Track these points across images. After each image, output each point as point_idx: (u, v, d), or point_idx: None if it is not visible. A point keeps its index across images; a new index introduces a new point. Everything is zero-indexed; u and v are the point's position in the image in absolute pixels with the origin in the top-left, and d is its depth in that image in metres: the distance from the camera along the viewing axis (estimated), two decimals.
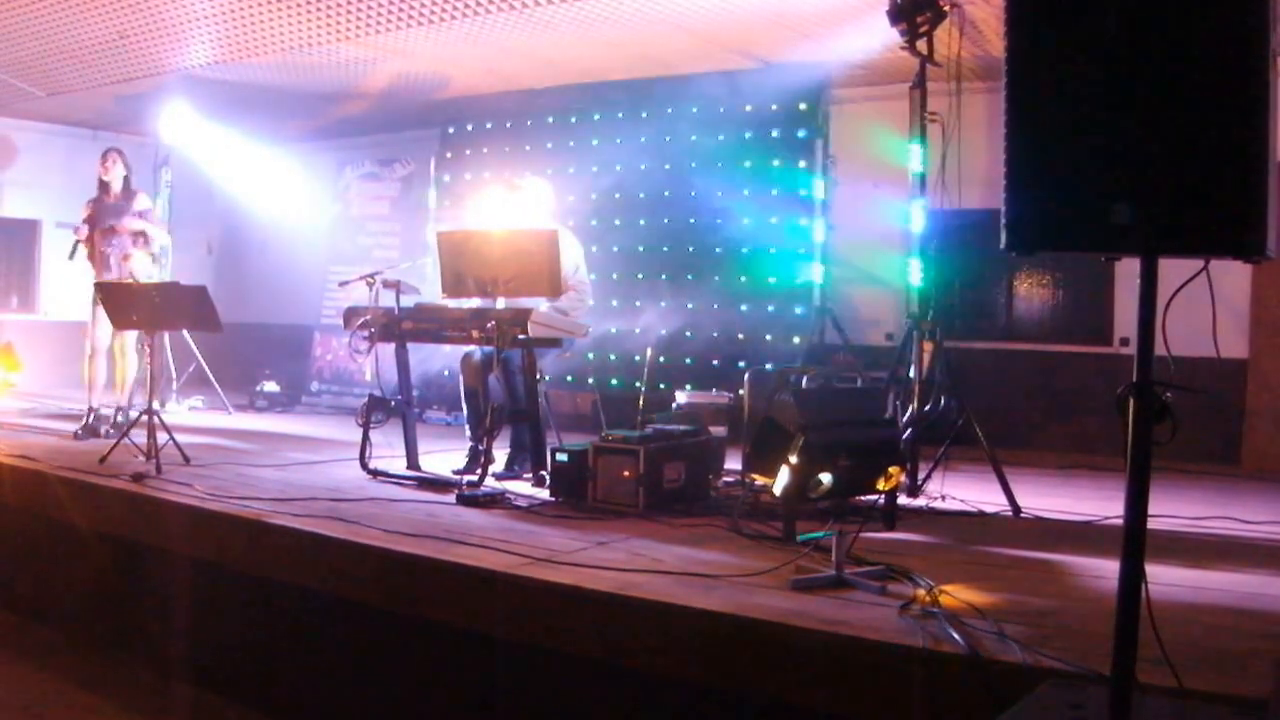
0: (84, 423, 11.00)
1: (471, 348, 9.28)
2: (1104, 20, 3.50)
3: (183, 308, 9.65)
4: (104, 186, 11.28)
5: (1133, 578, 3.58)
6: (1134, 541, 3.58)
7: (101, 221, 11.17)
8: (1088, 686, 3.97)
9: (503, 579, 5.76)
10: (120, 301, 9.58)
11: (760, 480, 7.35)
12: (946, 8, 8.80)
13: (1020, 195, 3.62)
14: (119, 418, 11.17)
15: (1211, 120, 3.36)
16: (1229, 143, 3.34)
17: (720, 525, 7.23)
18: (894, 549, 6.59)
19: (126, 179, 11.41)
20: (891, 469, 6.93)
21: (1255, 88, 3.34)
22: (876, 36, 10.42)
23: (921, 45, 8.84)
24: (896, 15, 8.79)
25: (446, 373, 12.77)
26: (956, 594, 5.42)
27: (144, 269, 11.23)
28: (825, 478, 6.65)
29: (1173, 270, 3.53)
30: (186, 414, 12.30)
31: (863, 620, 4.96)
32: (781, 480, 6.64)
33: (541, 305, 8.85)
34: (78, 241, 11.29)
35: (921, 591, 5.43)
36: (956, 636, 4.62)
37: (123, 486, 8.18)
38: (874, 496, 7.22)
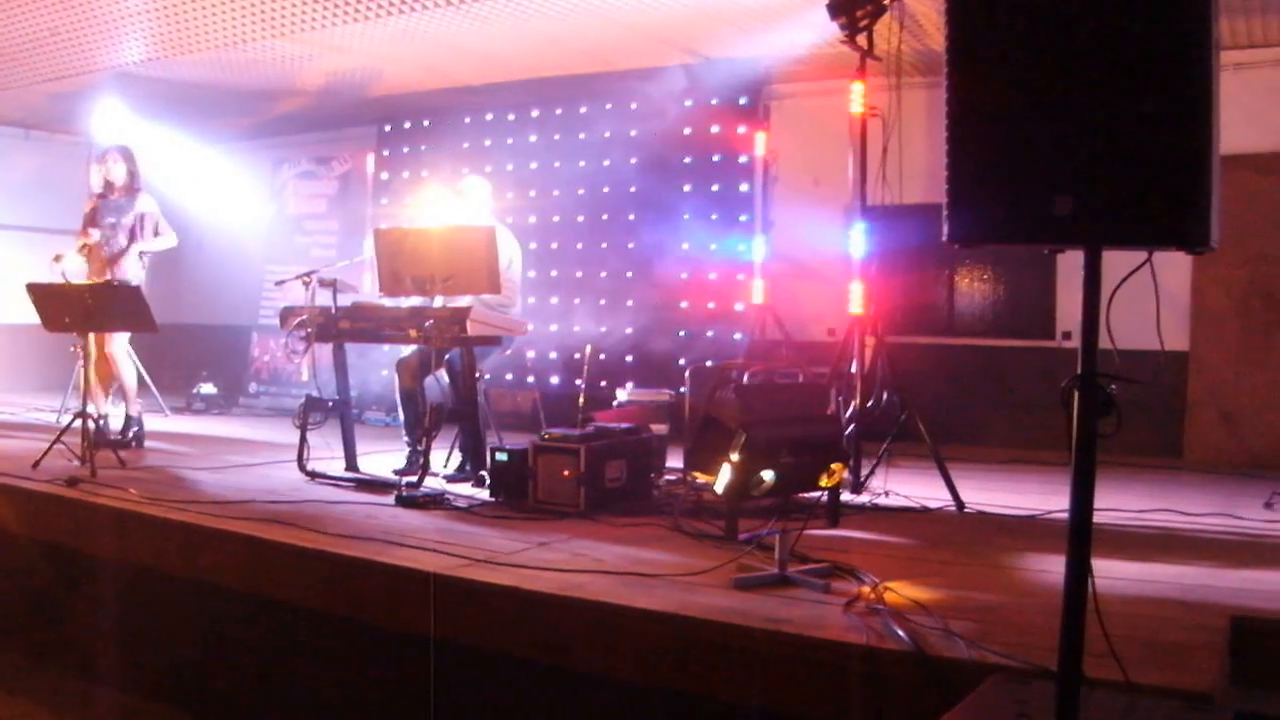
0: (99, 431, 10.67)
1: (408, 348, 9.21)
2: (1044, 12, 3.48)
3: (117, 309, 9.52)
4: (107, 185, 11.09)
5: (1078, 571, 3.55)
6: (1080, 535, 3.55)
7: (101, 219, 11.00)
8: (1033, 682, 3.95)
9: (442, 581, 5.70)
10: (52, 303, 9.42)
11: (702, 478, 7.31)
12: (886, 2, 8.78)
13: (962, 188, 3.60)
14: (132, 429, 10.98)
15: (1154, 111, 3.35)
16: (1172, 133, 3.33)
17: (662, 524, 7.20)
18: (838, 546, 6.59)
19: (132, 176, 11.21)
20: (834, 465, 6.90)
21: (1198, 78, 3.33)
22: (817, 31, 10.41)
23: (861, 39, 8.83)
24: (836, 9, 8.77)
25: (385, 372, 12.69)
26: (901, 590, 5.41)
27: (134, 271, 11.05)
28: (768, 475, 6.62)
29: (1116, 263, 3.51)
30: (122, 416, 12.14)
31: (806, 618, 4.94)
32: (723, 478, 6.60)
33: (471, 302, 8.75)
34: (85, 244, 11.09)
35: (866, 588, 5.42)
36: (901, 633, 4.61)
37: (56, 491, 8.05)
38: (817, 493, 7.19)
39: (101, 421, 10.65)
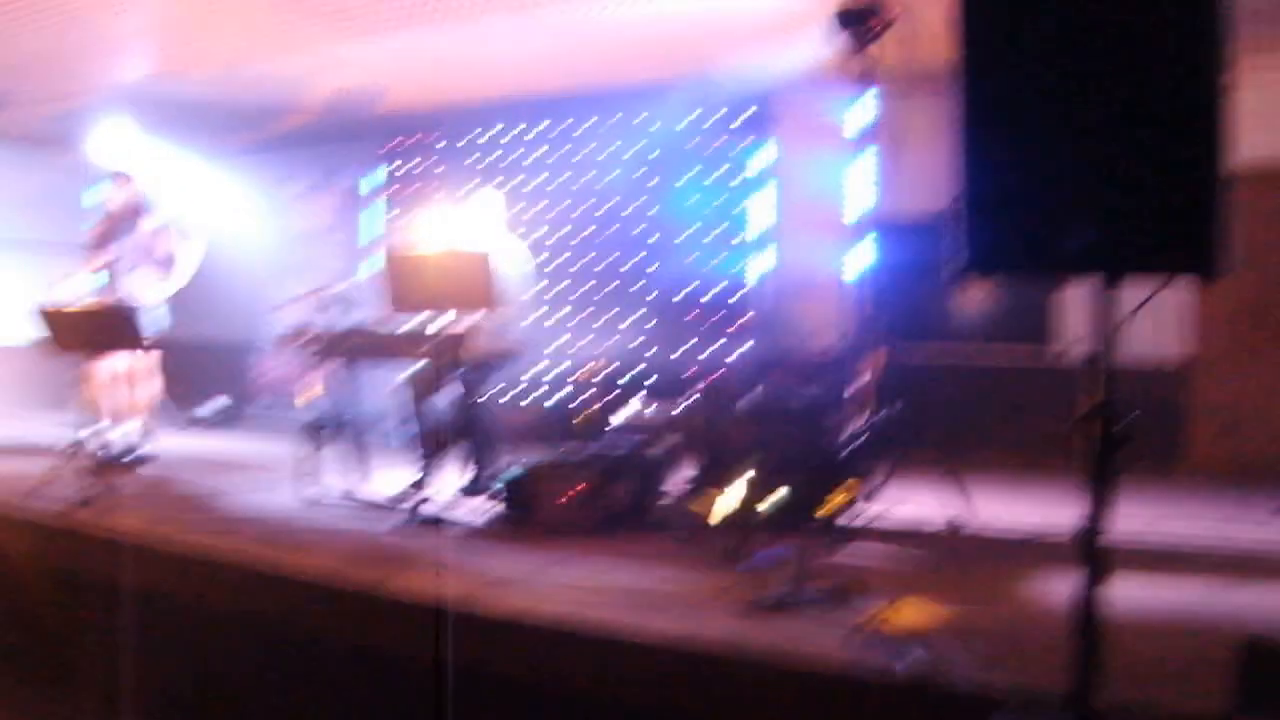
0: (108, 455, 10.67)
1: (416, 366, 9.21)
2: (1057, 40, 3.48)
3: (121, 330, 9.50)
4: (112, 210, 11.09)
5: (1089, 610, 3.55)
6: (1093, 567, 3.55)
7: (115, 238, 10.99)
8: (1042, 715, 3.94)
9: (450, 606, 5.67)
10: (60, 325, 9.41)
11: (711, 499, 7.30)
12: (892, 16, 8.77)
13: (976, 219, 3.59)
14: (137, 450, 10.96)
15: (1169, 140, 3.33)
16: (1187, 162, 3.31)
17: (671, 544, 7.18)
18: (845, 566, 6.57)
19: (140, 196, 11.20)
20: (840, 487, 6.88)
21: (1212, 106, 3.31)
22: (823, 44, 10.37)
23: (868, 53, 8.82)
24: (844, 22, 8.76)
25: (392, 389, 12.68)
26: (909, 613, 5.36)
27: (150, 288, 11.03)
28: (775, 497, 6.61)
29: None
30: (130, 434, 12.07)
31: (813, 644, 4.92)
32: (730, 500, 6.59)
33: (485, 321, 8.77)
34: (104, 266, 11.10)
35: (874, 611, 5.37)
36: (908, 658, 4.57)
37: (60, 516, 8.04)
38: (824, 514, 7.18)
39: (108, 445, 10.66)
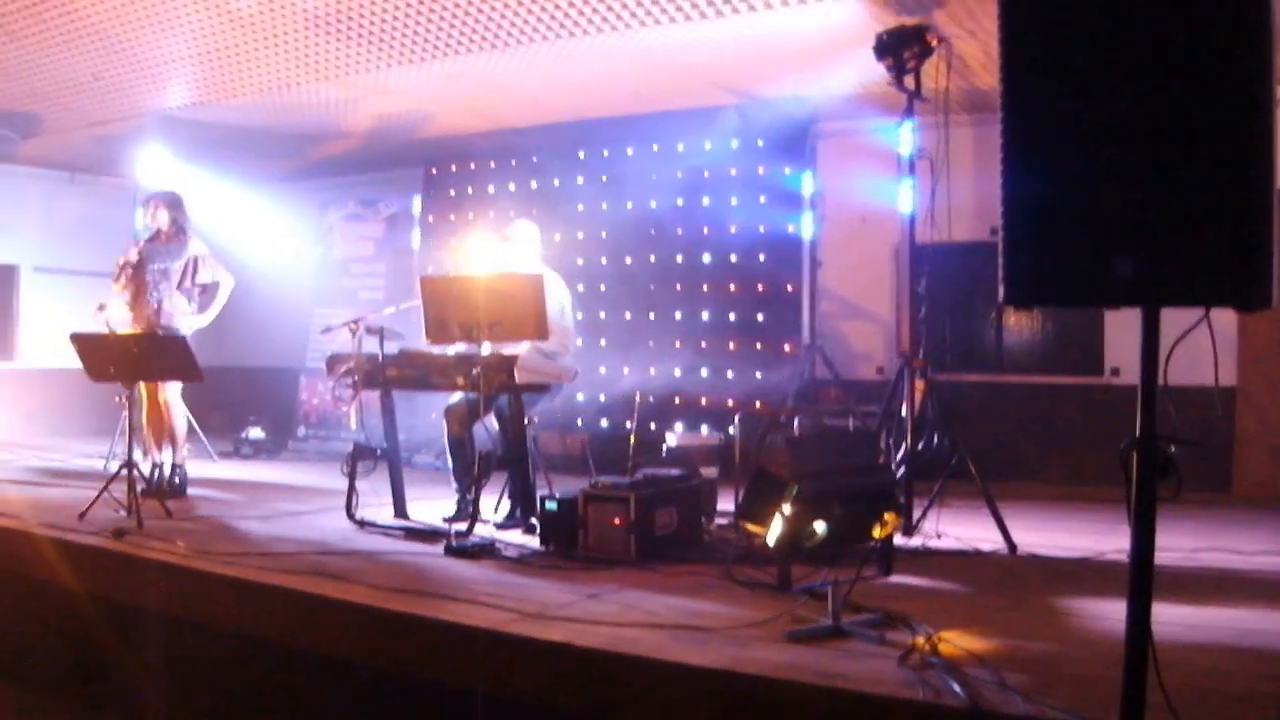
0: (150, 480, 10.67)
1: (456, 395, 9.19)
2: (1098, 70, 3.46)
3: (163, 359, 9.51)
4: (155, 233, 11.11)
5: (1139, 640, 3.50)
6: (1140, 599, 3.50)
7: (148, 266, 11.00)
8: None
9: (492, 637, 5.64)
10: (96, 353, 9.42)
11: (753, 529, 7.24)
12: (934, 43, 8.75)
13: (1019, 249, 3.57)
14: (176, 477, 10.97)
15: (1211, 172, 3.31)
16: (1228, 194, 3.29)
17: (714, 573, 7.14)
18: (891, 594, 6.54)
19: (177, 223, 11.20)
20: (887, 515, 6.81)
21: (1256, 137, 3.28)
22: (863, 71, 10.37)
23: (909, 81, 8.80)
24: (883, 50, 8.76)
25: (434, 415, 12.68)
26: (955, 640, 5.34)
27: (182, 316, 11.06)
28: (819, 526, 6.54)
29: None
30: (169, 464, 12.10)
31: (861, 673, 4.87)
32: (775, 530, 6.53)
33: (526, 349, 8.77)
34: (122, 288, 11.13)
35: (920, 639, 5.33)
36: (957, 688, 4.55)
37: (103, 543, 8.04)
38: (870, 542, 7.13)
39: (155, 472, 10.68)
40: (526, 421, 8.86)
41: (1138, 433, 3.54)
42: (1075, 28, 3.59)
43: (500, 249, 9.68)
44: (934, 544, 8.20)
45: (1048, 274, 3.57)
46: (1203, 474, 10.88)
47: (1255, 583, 6.97)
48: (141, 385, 10.44)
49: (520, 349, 8.76)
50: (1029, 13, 3.69)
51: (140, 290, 10.96)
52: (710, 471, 9.17)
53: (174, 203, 11.24)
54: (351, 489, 9.13)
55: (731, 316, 13.30)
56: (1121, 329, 11.35)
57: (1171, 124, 3.36)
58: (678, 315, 13.63)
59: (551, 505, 8.05)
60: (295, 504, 10.33)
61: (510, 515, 9.08)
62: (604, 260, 14.13)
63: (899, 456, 8.59)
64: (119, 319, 11.23)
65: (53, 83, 12.38)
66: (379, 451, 9.35)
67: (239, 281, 11.54)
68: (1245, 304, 3.33)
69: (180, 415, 11.09)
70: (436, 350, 9.06)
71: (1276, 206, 3.33)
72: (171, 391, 10.98)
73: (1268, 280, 3.28)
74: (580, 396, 13.13)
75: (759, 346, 13.07)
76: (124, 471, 8.98)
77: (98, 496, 9.02)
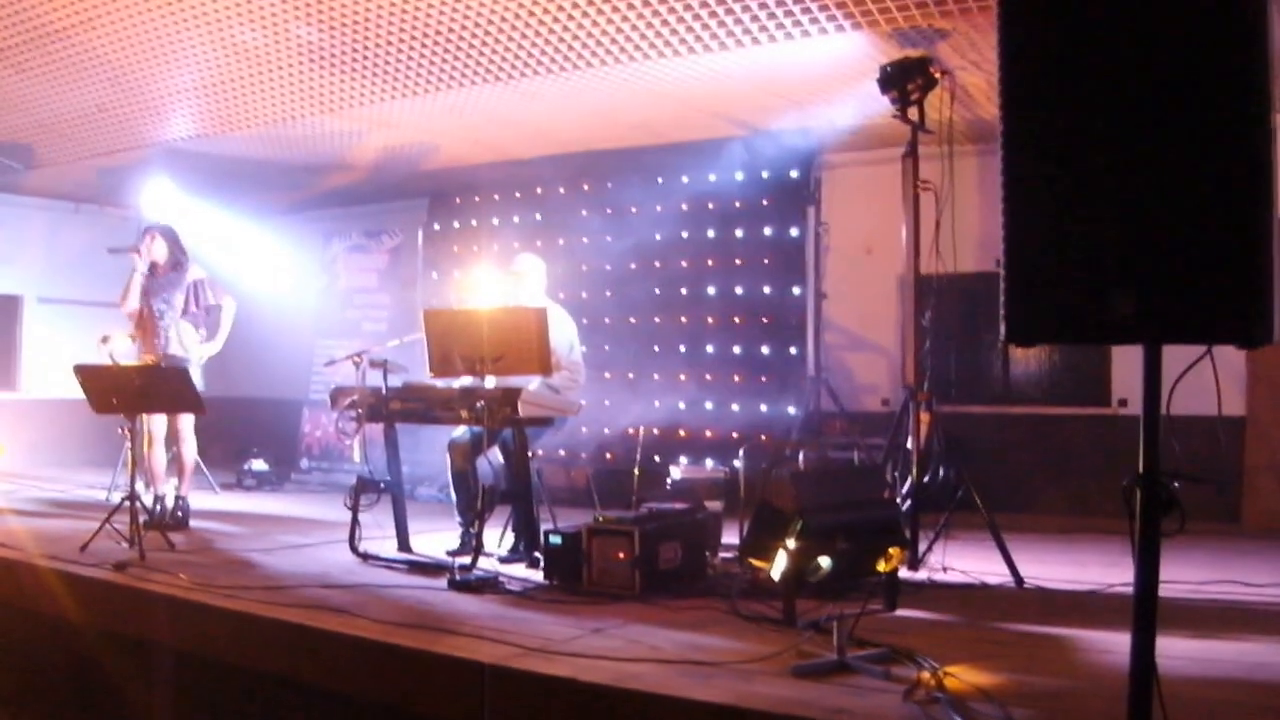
0: (153, 514, 10.58)
1: (460, 429, 9.18)
2: (1098, 106, 3.46)
3: (164, 390, 9.50)
4: (152, 265, 11.12)
5: (1144, 676, 3.48)
6: (1145, 641, 3.48)
7: (153, 297, 11.01)
8: None
9: (496, 672, 5.62)
10: (100, 385, 9.41)
11: (758, 564, 7.21)
12: (938, 75, 8.75)
13: (1019, 287, 3.58)
14: (179, 509, 10.94)
15: (1214, 208, 3.31)
16: (1233, 229, 3.29)
17: (719, 607, 7.10)
18: (896, 628, 6.51)
19: (174, 254, 11.21)
20: (892, 550, 6.79)
21: (1253, 177, 3.29)
22: (867, 103, 10.38)
23: (912, 113, 8.81)
24: (887, 83, 8.78)
25: (438, 448, 12.66)
26: (961, 675, 5.30)
27: (192, 344, 11.07)
28: (824, 561, 6.53)
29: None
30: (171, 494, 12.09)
31: (866, 708, 4.86)
32: (780, 565, 6.51)
33: (532, 383, 8.77)
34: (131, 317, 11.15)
35: (926, 674, 5.31)
36: None
37: (105, 575, 8.02)
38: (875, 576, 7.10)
39: (158, 504, 10.66)
40: (530, 455, 8.84)
41: (1141, 468, 3.53)
42: (1075, 68, 3.60)
43: (505, 283, 9.67)
44: (940, 577, 8.17)
45: (1049, 312, 3.58)
46: (1211, 504, 10.85)
47: (1264, 615, 6.94)
48: (145, 417, 10.42)
49: (530, 384, 8.76)
50: (1027, 54, 3.70)
51: (147, 324, 10.97)
52: (715, 505, 9.13)
53: (170, 234, 11.26)
54: (355, 522, 9.11)
55: (736, 349, 13.30)
56: (1129, 360, 11.33)
57: (1171, 162, 3.37)
58: (682, 348, 13.63)
59: (555, 539, 8.02)
60: (298, 536, 10.30)
61: (514, 549, 9.06)
62: (608, 293, 14.12)
63: (904, 489, 8.56)
64: (122, 351, 11.23)
65: (58, 114, 12.42)
66: (382, 484, 9.33)
67: (242, 312, 11.55)
68: (1246, 341, 3.34)
69: (192, 447, 11.09)
70: (440, 383, 9.05)
71: (1278, 235, 3.34)
72: (185, 423, 10.98)
73: (1269, 317, 3.29)
74: (584, 429, 13.10)
75: (764, 379, 13.06)
76: (126, 503, 8.96)
77: (100, 528, 9.03)
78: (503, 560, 8.81)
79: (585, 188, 14.59)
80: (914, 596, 7.50)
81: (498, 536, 9.32)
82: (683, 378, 13.38)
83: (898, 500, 8.29)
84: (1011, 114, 3.65)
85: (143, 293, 10.99)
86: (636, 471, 9.66)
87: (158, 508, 10.65)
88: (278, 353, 17.09)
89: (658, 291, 13.89)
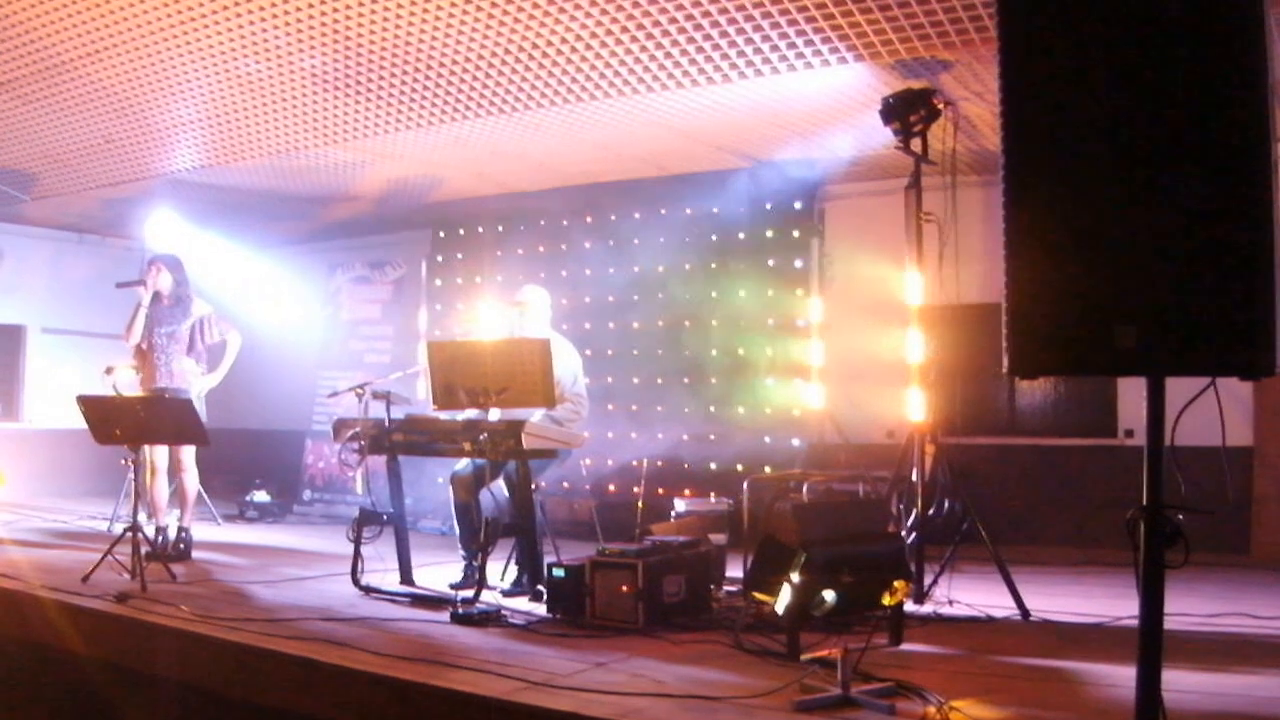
0: (155, 545, 10.53)
1: (462, 462, 9.15)
2: (1100, 139, 3.47)
3: (167, 421, 9.49)
4: (156, 295, 11.11)
5: (1150, 711, 3.45)
6: (1150, 676, 3.46)
7: (156, 327, 11.01)
8: None
9: (499, 706, 5.59)
10: (102, 415, 9.39)
11: (761, 598, 7.18)
12: (940, 106, 8.74)
13: (1022, 320, 3.57)
14: (181, 541, 10.92)
15: (1215, 241, 3.30)
16: (1234, 262, 3.29)
17: (722, 641, 7.06)
18: (902, 662, 6.47)
19: (179, 286, 11.21)
20: (897, 583, 6.75)
21: (1254, 210, 3.28)
22: (871, 135, 10.38)
23: (915, 144, 8.79)
24: (889, 115, 8.76)
25: (441, 479, 12.62)
26: (967, 710, 5.28)
27: (194, 377, 11.07)
28: (829, 595, 6.50)
29: None
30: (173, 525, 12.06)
31: None
32: (784, 598, 6.48)
33: (535, 415, 8.75)
34: (136, 350, 11.15)
35: (932, 709, 5.28)
36: None
37: (107, 607, 7.99)
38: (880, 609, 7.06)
39: (160, 535, 10.63)
40: (534, 487, 8.81)
41: (1144, 501, 3.51)
42: (1075, 100, 3.60)
43: (509, 313, 9.66)
44: (945, 611, 8.13)
45: (1052, 344, 3.58)
46: (1220, 535, 10.80)
47: (1273, 648, 6.90)
48: (147, 448, 10.40)
49: (533, 416, 8.74)
50: (1028, 87, 3.70)
51: (149, 354, 10.96)
52: (719, 538, 9.11)
53: (175, 265, 11.26)
54: (357, 554, 9.08)
55: (739, 381, 13.25)
56: (1135, 390, 11.26)
57: (1172, 194, 3.36)
58: (685, 380, 13.60)
59: (559, 572, 7.98)
60: (300, 569, 10.27)
61: (517, 582, 9.02)
62: (611, 325, 14.11)
63: (910, 522, 8.53)
64: (126, 382, 11.22)
65: (64, 145, 12.45)
66: (385, 517, 9.30)
67: (245, 343, 11.54)
68: (1249, 372, 3.34)
69: (194, 478, 11.08)
70: (444, 415, 9.03)
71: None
72: (188, 454, 10.97)
73: (1272, 348, 3.28)
74: (588, 462, 13.05)
75: (768, 411, 13.03)
76: (129, 534, 8.94)
77: (102, 559, 9.02)
78: (506, 593, 8.77)
79: (588, 219, 14.57)
80: (919, 630, 7.46)
81: (501, 569, 9.28)
82: (686, 410, 13.34)
83: (903, 533, 8.25)
84: (1013, 147, 3.65)
85: (146, 325, 10.98)
86: (640, 504, 9.63)
87: (160, 539, 10.62)
88: (281, 384, 17.08)
89: (660, 324, 13.87)
